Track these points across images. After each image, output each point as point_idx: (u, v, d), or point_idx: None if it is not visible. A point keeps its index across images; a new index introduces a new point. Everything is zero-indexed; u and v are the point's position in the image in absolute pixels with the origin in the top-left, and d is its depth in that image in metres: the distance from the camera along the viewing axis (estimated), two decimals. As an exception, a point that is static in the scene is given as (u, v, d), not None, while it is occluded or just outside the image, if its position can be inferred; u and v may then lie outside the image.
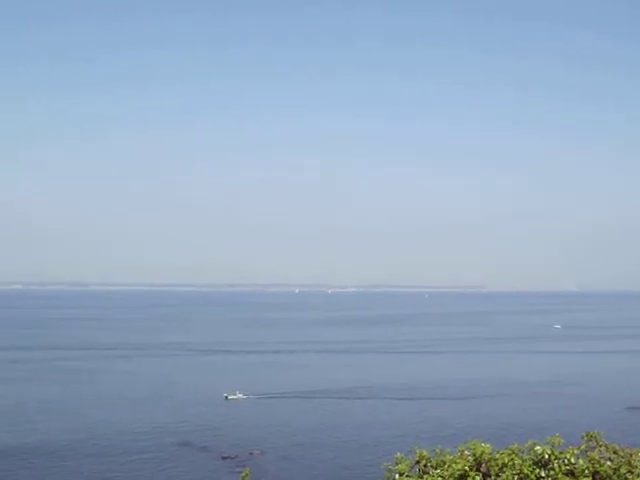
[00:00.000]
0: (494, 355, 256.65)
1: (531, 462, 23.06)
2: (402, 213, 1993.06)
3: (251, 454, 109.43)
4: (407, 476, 23.02)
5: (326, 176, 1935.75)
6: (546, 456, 23.08)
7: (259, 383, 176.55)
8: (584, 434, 24.36)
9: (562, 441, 23.51)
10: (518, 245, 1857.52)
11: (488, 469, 23.18)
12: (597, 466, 23.08)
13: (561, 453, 23.17)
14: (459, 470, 22.70)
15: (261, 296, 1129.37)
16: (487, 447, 23.66)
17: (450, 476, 22.69)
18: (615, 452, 23.98)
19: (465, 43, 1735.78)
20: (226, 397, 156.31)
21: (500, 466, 23.03)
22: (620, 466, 23.31)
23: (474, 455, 23.41)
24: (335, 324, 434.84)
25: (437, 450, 23.74)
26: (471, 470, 22.85)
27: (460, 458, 23.28)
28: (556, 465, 22.80)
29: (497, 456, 23.35)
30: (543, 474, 22.70)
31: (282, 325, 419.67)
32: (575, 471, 22.85)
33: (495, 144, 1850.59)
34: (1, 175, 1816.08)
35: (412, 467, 23.45)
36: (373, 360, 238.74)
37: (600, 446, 24.10)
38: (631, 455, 23.80)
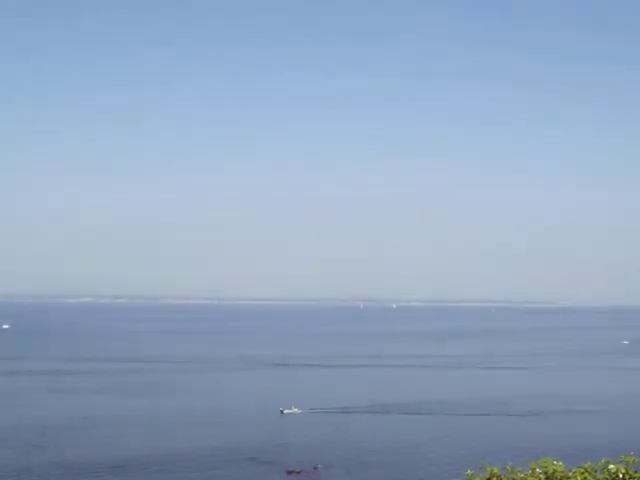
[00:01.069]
0: (562, 370, 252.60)
1: (605, 481, 22.66)
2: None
3: (315, 469, 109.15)
4: (477, 493, 22.84)
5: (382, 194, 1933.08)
6: (620, 475, 22.67)
7: (315, 397, 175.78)
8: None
9: (637, 460, 23.07)
10: (589, 259, 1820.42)
11: (560, 488, 22.86)
12: (674, 486, 22.55)
13: (636, 472, 22.74)
14: (531, 488, 22.45)
15: (326, 310, 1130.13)
16: (559, 465, 23.35)
17: (521, 494, 22.44)
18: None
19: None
20: (282, 411, 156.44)
21: (573, 485, 22.69)
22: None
23: (546, 473, 23.13)
24: (398, 339, 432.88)
25: (508, 467, 23.50)
26: (543, 488, 22.56)
27: (532, 476, 23.03)
28: (631, 484, 22.37)
29: (570, 474, 23.02)
30: (617, 493, 22.29)
31: (343, 339, 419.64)
32: (651, 491, 22.37)
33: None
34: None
35: (482, 484, 23.26)
36: (439, 375, 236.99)
37: (677, 466, 23.54)
38: None
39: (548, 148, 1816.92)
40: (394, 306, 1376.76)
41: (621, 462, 23.07)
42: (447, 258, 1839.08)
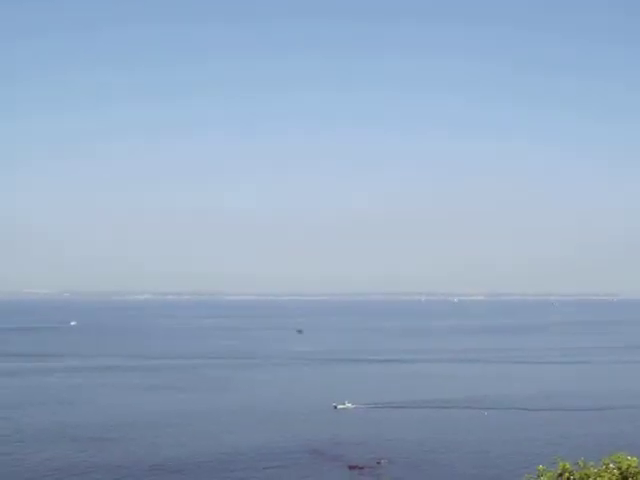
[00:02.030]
0: (627, 365, 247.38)
1: (682, 477, 21.89)
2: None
3: (378, 463, 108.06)
4: (549, 489, 22.25)
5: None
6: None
7: (368, 393, 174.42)
8: None
9: None
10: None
11: (635, 484, 22.15)
12: None
13: None
14: (604, 484, 21.80)
15: (386, 305, 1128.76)
16: (634, 460, 22.70)
17: (595, 490, 21.81)
18: None
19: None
20: (335, 407, 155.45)
21: (648, 481, 21.98)
22: None
23: (620, 469, 22.46)
24: (458, 332, 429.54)
25: (580, 463, 22.85)
26: (617, 484, 21.89)
27: (605, 472, 22.37)
28: None
29: (645, 470, 22.28)
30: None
31: (401, 334, 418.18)
32: None
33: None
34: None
35: (554, 480, 22.66)
36: (500, 370, 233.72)
37: None
38: None
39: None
40: (455, 300, 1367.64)
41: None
42: (505, 252, 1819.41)
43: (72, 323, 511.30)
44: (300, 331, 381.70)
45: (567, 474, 22.64)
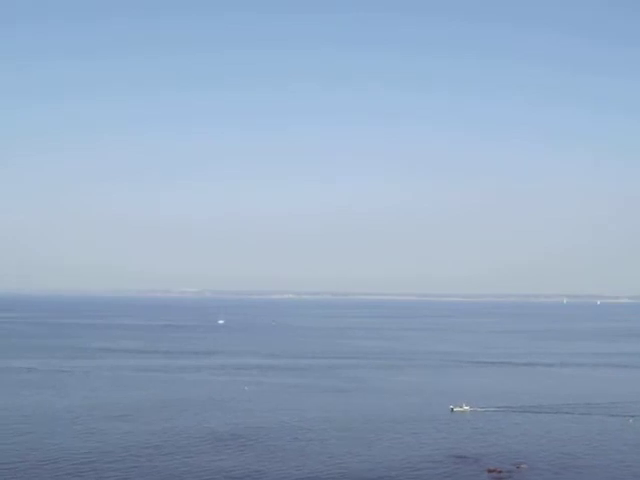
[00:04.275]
0: None
1: None
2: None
3: (517, 468, 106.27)
4: None
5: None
6: None
7: (486, 395, 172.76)
8: None
9: None
10: None
11: None
12: None
13: None
14: None
15: (526, 307, 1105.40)
16: None
17: None
18: None
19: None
20: (452, 409, 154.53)
21: None
22: None
23: None
24: (592, 337, 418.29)
25: None
26: None
27: None
28: None
29: None
30: None
31: (535, 337, 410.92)
32: None
33: None
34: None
35: None
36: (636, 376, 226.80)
37: None
38: None
39: None
40: (598, 302, 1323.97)
41: None
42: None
43: (220, 322, 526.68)
44: None
45: None
